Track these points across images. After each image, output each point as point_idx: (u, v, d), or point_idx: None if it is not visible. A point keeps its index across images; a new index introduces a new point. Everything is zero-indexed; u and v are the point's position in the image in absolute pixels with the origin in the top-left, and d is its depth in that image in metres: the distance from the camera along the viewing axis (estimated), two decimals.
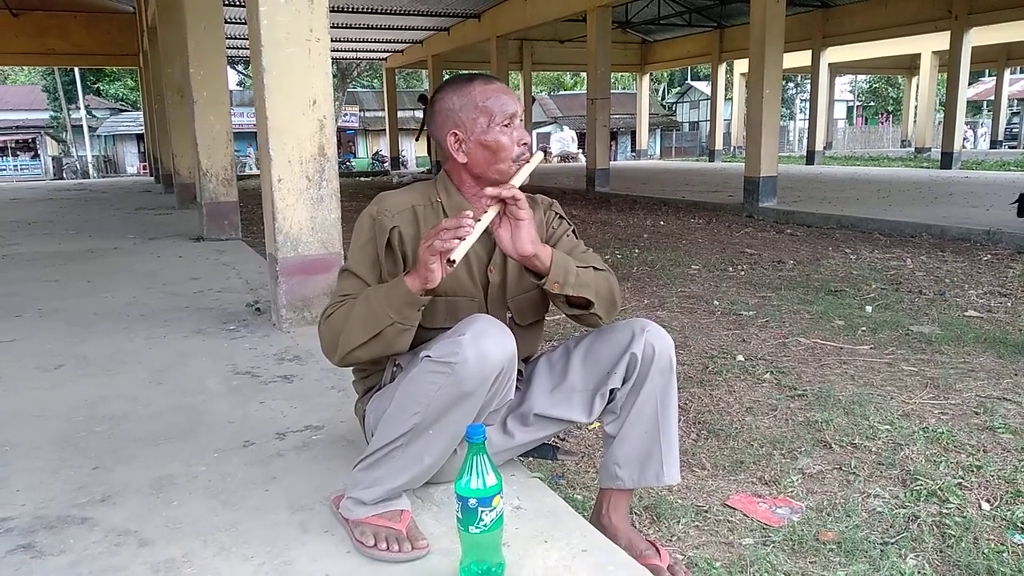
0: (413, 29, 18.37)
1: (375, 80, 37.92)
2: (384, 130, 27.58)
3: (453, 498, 1.62)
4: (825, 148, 23.06)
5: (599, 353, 1.65)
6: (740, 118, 27.74)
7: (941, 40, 17.37)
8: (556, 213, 1.77)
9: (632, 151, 30.05)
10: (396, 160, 24.67)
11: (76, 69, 29.43)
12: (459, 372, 1.39)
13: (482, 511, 1.32)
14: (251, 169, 25.72)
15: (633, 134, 29.43)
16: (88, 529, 1.63)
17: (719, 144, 24.64)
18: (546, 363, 1.74)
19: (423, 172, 18.47)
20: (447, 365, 1.40)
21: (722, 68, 23.87)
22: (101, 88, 38.17)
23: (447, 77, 1.68)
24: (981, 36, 16.88)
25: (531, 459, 1.99)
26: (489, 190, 1.46)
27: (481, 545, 1.35)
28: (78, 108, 33.60)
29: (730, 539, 1.92)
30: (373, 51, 23.06)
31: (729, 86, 27.21)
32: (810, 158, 20.35)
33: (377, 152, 30.80)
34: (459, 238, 1.38)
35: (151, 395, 2.52)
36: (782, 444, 2.45)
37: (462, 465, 1.35)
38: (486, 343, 1.40)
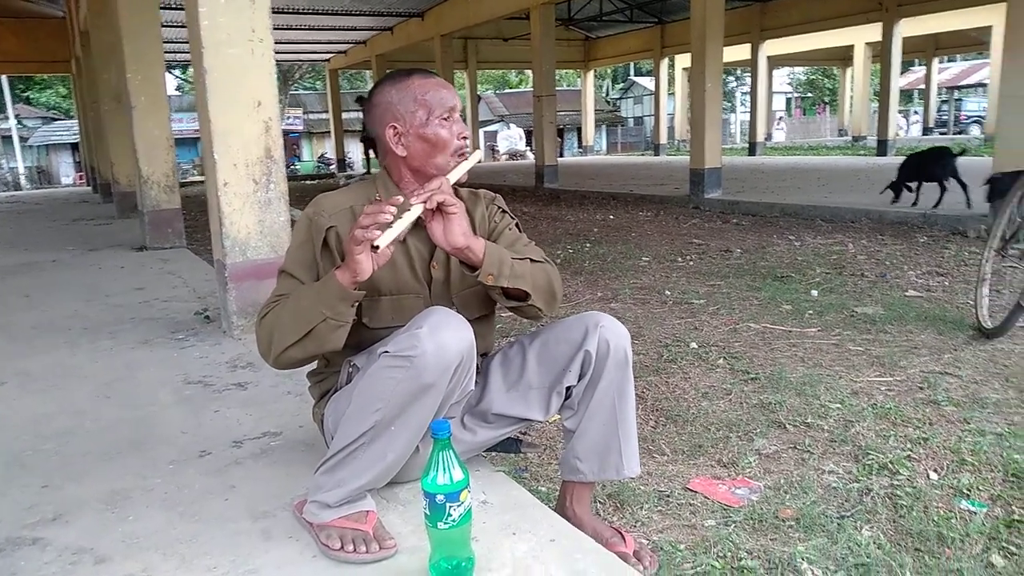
0: (356, 29, 18.18)
1: (318, 82, 37.40)
2: (329, 132, 27.23)
3: (418, 496, 1.61)
4: (766, 139, 23.56)
5: (553, 351, 1.65)
6: (683, 112, 28.17)
7: (873, 31, 17.91)
8: (498, 207, 1.77)
9: (579, 147, 30.26)
10: (342, 162, 24.39)
11: (4, 77, 28.32)
12: (418, 365, 1.38)
13: (450, 506, 1.32)
14: (193, 175, 25.16)
15: (579, 130, 29.62)
16: (40, 550, 1.58)
17: (664, 138, 24.96)
18: (501, 361, 1.74)
19: (367, 174, 18.35)
20: (406, 359, 1.39)
21: (664, 63, 24.17)
22: (31, 96, 36.83)
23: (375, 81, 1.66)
24: (910, 27, 17.44)
25: (495, 454, 1.99)
26: (416, 199, 1.44)
27: (450, 541, 1.35)
28: (7, 118, 32.36)
29: (693, 521, 1.96)
30: (315, 52, 22.77)
31: (671, 81, 27.57)
32: (752, 149, 20.77)
33: (322, 155, 30.40)
34: (379, 224, 1.37)
35: (99, 409, 2.44)
36: (738, 427, 2.50)
37: (428, 461, 1.34)
38: (444, 334, 1.40)
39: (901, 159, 7.93)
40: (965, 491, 2.00)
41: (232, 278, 3.17)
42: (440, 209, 1.45)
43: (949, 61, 33.97)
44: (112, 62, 7.38)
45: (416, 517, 1.60)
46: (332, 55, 23.15)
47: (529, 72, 29.72)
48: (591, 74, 26.63)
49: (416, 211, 1.43)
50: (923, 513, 1.90)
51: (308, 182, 20.99)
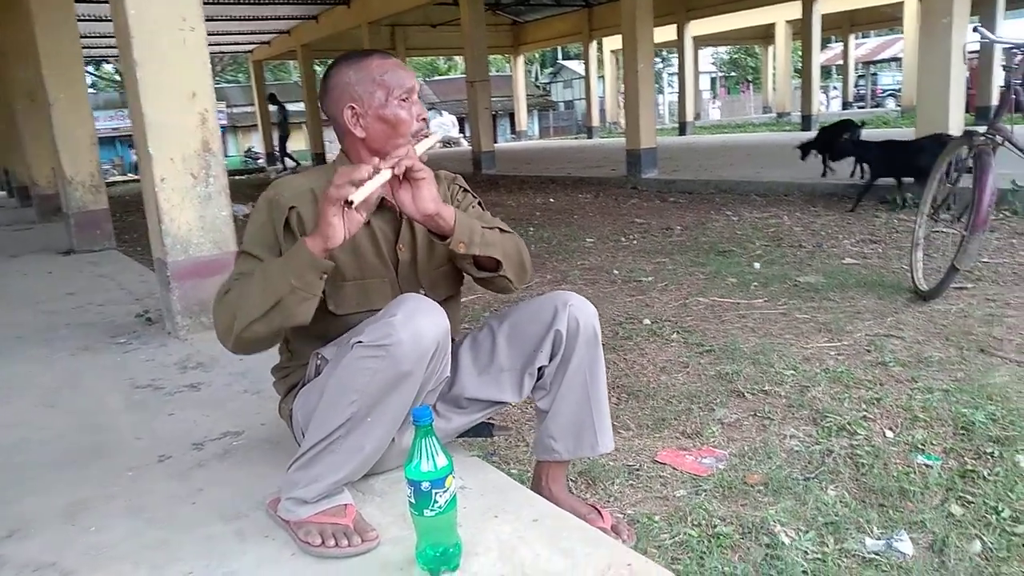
0: (279, 19, 17.68)
1: (240, 74, 36.37)
2: (255, 126, 26.52)
3: (395, 487, 1.60)
4: (696, 118, 23.98)
5: (524, 332, 1.65)
6: (613, 95, 28.42)
7: (793, 9, 18.39)
8: (460, 187, 1.76)
9: (512, 133, 30.25)
10: (271, 156, 23.80)
11: None
12: (395, 353, 1.36)
13: (436, 493, 1.30)
14: (114, 175, 24.18)
15: (511, 116, 29.60)
16: None
17: (596, 121, 25.15)
18: (471, 345, 1.73)
19: (298, 166, 17.89)
20: (381, 348, 1.36)
21: (593, 46, 24.31)
22: None
23: (332, 61, 1.62)
24: (828, 5, 17.98)
25: (466, 439, 1.97)
26: (383, 164, 1.41)
27: (437, 528, 1.33)
28: None
29: (664, 493, 1.99)
30: (238, 43, 22.07)
31: (600, 64, 27.76)
32: (682, 129, 21.12)
33: (249, 149, 29.58)
34: (354, 182, 1.34)
35: (45, 419, 2.33)
36: (698, 398, 2.55)
37: (411, 449, 1.32)
38: (419, 321, 1.38)
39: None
40: (920, 446, 2.08)
41: (175, 277, 3.06)
42: (408, 177, 1.43)
43: (864, 37, 35.12)
44: (23, 58, 7.00)
45: (395, 507, 1.58)
46: (255, 46, 22.50)
47: (458, 59, 29.52)
48: (521, 59, 26.61)
49: (387, 173, 1.40)
50: (883, 470, 1.97)
51: (237, 177, 20.41)
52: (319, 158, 19.83)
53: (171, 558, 1.48)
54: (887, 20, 25.81)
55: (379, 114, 1.53)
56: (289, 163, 18.05)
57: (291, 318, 1.43)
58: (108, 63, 27.58)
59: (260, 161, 19.34)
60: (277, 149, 18.57)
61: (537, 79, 44.22)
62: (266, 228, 1.56)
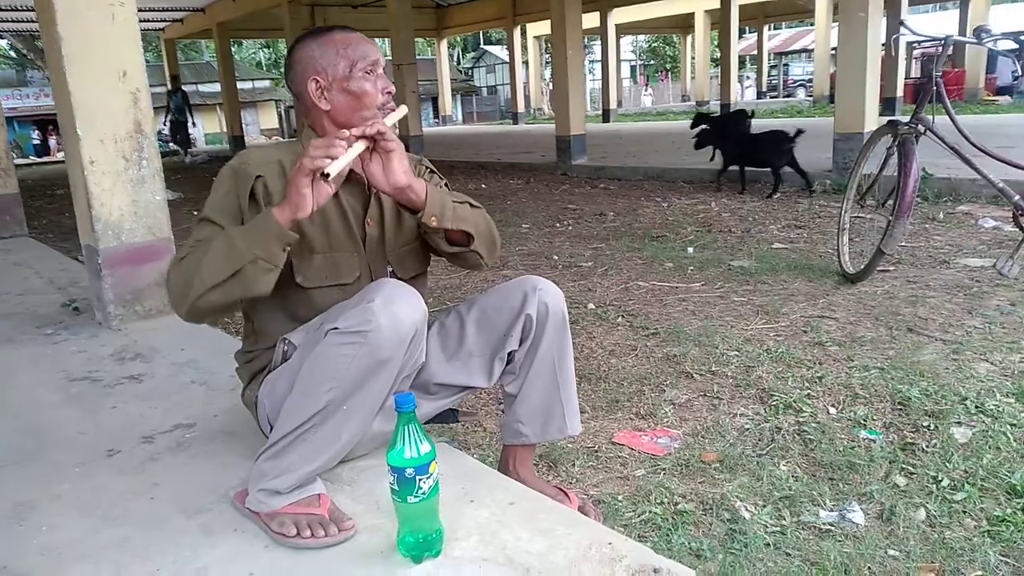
0: None
1: (149, 53, 34.77)
2: (167, 107, 25.44)
3: (363, 475, 1.59)
4: (618, 106, 24.33)
5: (493, 317, 1.65)
6: (537, 80, 28.52)
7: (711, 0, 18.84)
8: (426, 167, 1.77)
9: (435, 117, 29.99)
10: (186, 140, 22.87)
11: None
12: (373, 340, 1.33)
13: (420, 479, 1.29)
14: (14, 158, 22.76)
15: (435, 100, 29.34)
16: None
17: (521, 107, 25.19)
18: (439, 330, 1.72)
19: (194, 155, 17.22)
20: (359, 335, 1.34)
21: (517, 32, 24.28)
22: None
23: (295, 39, 1.58)
24: None
25: (431, 425, 1.96)
26: (353, 131, 1.39)
27: (420, 514, 1.33)
28: None
29: (624, 473, 2.03)
30: (148, 20, 21.05)
31: (523, 49, 27.78)
32: (606, 116, 21.38)
33: (160, 132, 28.29)
34: (329, 155, 1.33)
35: None
36: (649, 380, 2.61)
37: (393, 435, 1.31)
38: (397, 306, 1.36)
39: None
40: (862, 422, 2.19)
41: (106, 264, 2.92)
42: (378, 148, 1.41)
43: (775, 29, 36.26)
44: None
45: (367, 495, 1.57)
46: (167, 23, 21.52)
47: (378, 40, 28.99)
48: (444, 43, 26.37)
49: (361, 145, 1.39)
50: (830, 445, 2.07)
51: None
52: (237, 141, 19.20)
53: (135, 556, 1.42)
54: (799, 12, 26.74)
55: (344, 86, 1.52)
56: (192, 151, 17.22)
57: (251, 288, 1.39)
58: (2, 38, 25.86)
59: (171, 145, 18.57)
60: (166, 133, 17.55)
61: (459, 63, 43.93)
62: (230, 196, 1.52)
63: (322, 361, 1.38)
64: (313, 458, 1.44)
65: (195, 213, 7.41)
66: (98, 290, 2.99)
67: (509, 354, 1.67)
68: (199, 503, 1.60)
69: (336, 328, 1.36)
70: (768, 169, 6.73)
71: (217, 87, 21.14)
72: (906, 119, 3.44)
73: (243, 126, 18.81)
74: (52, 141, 28.96)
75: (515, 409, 1.72)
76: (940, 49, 3.31)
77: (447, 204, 1.51)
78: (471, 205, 1.61)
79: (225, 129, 20.89)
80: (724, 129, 7.82)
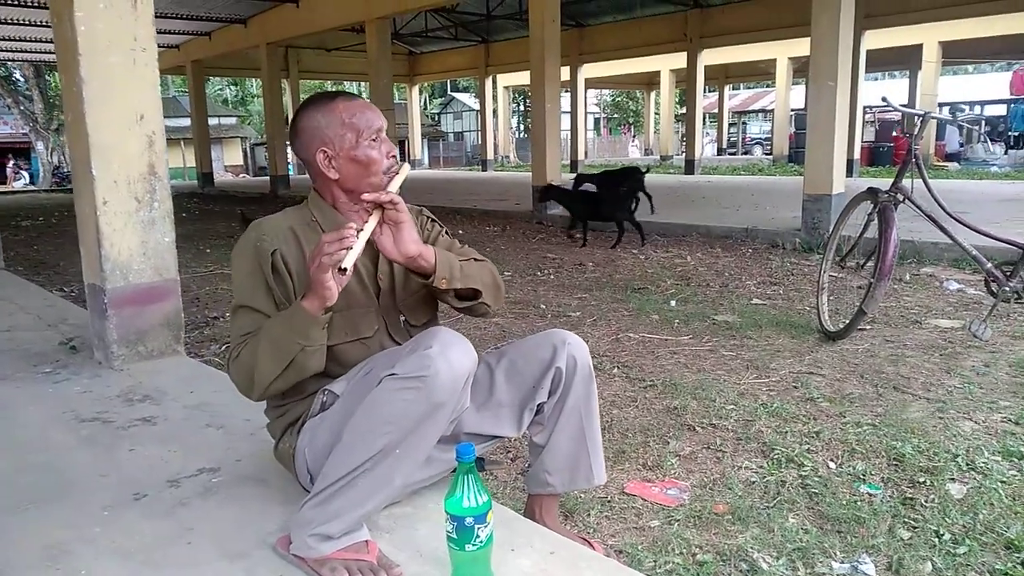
0: (169, 33, 16.97)
1: None
2: None
3: (400, 522, 1.63)
4: (584, 157, 24.81)
5: (522, 369, 1.72)
6: (505, 129, 28.98)
7: (678, 60, 19.48)
8: (428, 217, 1.85)
9: (404, 160, 30.10)
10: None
11: None
12: (431, 384, 1.39)
13: (478, 528, 1.35)
14: None
15: (402, 144, 29.58)
16: None
17: (490, 154, 25.54)
18: None
19: None
20: (418, 379, 1.39)
21: (489, 81, 24.74)
22: None
23: (300, 105, 1.68)
24: (708, 57, 19.14)
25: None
26: (366, 196, 1.51)
27: (476, 562, 1.38)
28: None
29: (639, 523, 2.09)
30: None
31: (495, 98, 28.25)
32: (573, 167, 21.79)
33: (56, 168, 27.53)
34: (345, 248, 1.42)
35: None
36: (652, 431, 2.69)
37: (452, 484, 1.36)
38: (453, 352, 1.43)
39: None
40: (861, 476, 2.29)
41: (112, 304, 2.92)
42: (387, 220, 1.51)
43: (735, 89, 37.54)
44: None
45: (407, 543, 1.61)
46: None
47: (348, 83, 29.25)
48: (416, 88, 26.74)
49: (370, 227, 1.48)
50: (834, 498, 2.16)
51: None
52: (206, 177, 19.10)
53: None
54: (759, 74, 27.82)
55: (351, 155, 1.60)
56: None
57: (305, 371, 1.53)
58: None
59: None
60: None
61: (426, 108, 44.41)
62: (255, 276, 1.60)
63: (379, 406, 1.43)
64: (364, 502, 1.48)
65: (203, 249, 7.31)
66: (101, 330, 2.98)
67: (538, 405, 1.74)
68: (239, 548, 1.62)
69: (393, 374, 1.42)
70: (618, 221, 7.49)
71: (181, 122, 21.06)
72: (885, 187, 3.64)
73: (211, 163, 18.72)
74: (8, 169, 28.37)
75: (543, 459, 1.78)
76: (920, 123, 3.54)
77: (455, 265, 1.61)
78: (475, 259, 1.71)
79: (193, 164, 20.76)
80: (602, 185, 8.47)
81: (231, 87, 43.18)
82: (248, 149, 34.38)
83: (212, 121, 24.10)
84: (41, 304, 4.26)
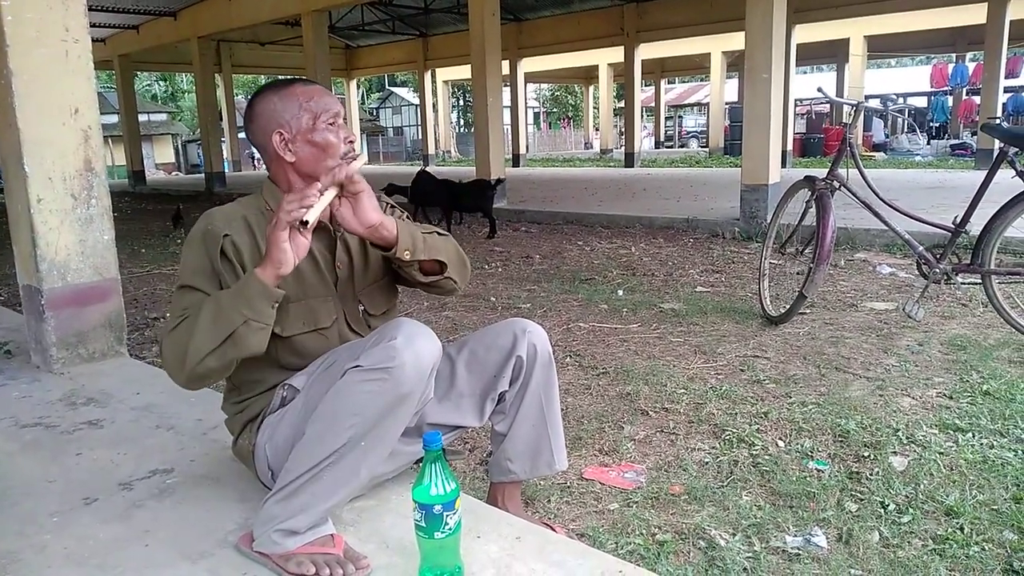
0: (94, 26, 16.30)
1: None
2: None
3: (363, 515, 1.62)
4: (527, 151, 24.91)
5: (483, 358, 1.73)
6: (445, 124, 28.88)
7: (615, 53, 19.71)
8: (387, 202, 1.81)
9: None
10: None
11: None
12: (397, 376, 1.38)
13: (447, 515, 1.35)
14: None
15: None
16: None
17: (432, 149, 25.40)
18: None
19: None
20: (383, 371, 1.38)
21: (428, 75, 24.58)
22: None
23: (255, 91, 1.65)
24: (645, 51, 19.43)
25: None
26: (325, 180, 1.47)
27: (444, 549, 1.38)
28: None
29: (599, 507, 2.12)
30: None
31: (435, 92, 28.10)
32: (515, 161, 21.85)
33: None
34: (305, 207, 1.40)
35: None
36: (607, 417, 2.73)
37: (420, 472, 1.37)
38: (419, 343, 1.42)
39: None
40: (809, 453, 2.37)
41: (50, 305, 2.82)
42: (346, 193, 1.48)
43: (671, 83, 38.18)
44: None
45: (372, 534, 1.60)
46: None
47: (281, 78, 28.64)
48: (354, 83, 26.38)
49: (333, 191, 1.46)
50: (784, 475, 2.24)
51: None
52: (137, 176, 18.49)
53: None
54: (694, 68, 28.35)
55: (308, 138, 1.58)
56: None
57: (245, 349, 1.44)
58: None
59: None
60: None
61: (364, 103, 43.90)
62: (202, 259, 1.56)
63: (344, 398, 1.41)
64: (330, 496, 1.47)
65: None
66: (38, 332, 2.87)
67: (500, 394, 1.75)
68: (200, 548, 1.59)
69: (358, 366, 1.41)
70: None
71: (109, 119, 20.33)
72: (822, 175, 3.76)
73: (143, 161, 18.13)
74: None
75: (504, 447, 1.80)
76: (853, 112, 3.67)
77: (417, 237, 1.59)
78: (439, 234, 1.70)
79: (123, 163, 20.07)
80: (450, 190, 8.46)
81: (160, 82, 41.90)
82: (180, 146, 33.40)
83: (142, 118, 23.36)
84: None
